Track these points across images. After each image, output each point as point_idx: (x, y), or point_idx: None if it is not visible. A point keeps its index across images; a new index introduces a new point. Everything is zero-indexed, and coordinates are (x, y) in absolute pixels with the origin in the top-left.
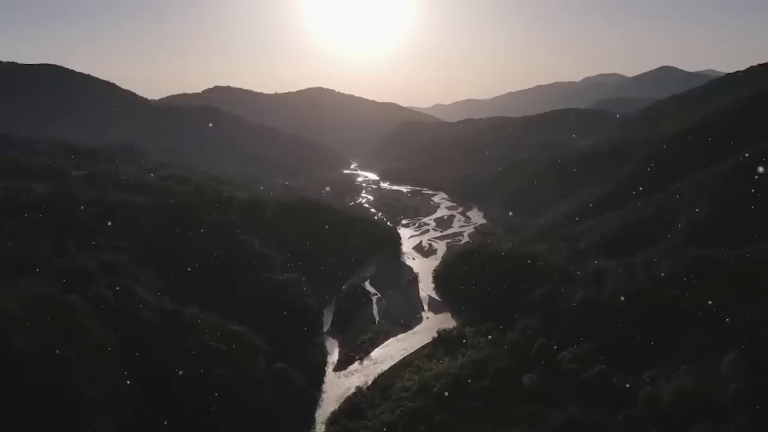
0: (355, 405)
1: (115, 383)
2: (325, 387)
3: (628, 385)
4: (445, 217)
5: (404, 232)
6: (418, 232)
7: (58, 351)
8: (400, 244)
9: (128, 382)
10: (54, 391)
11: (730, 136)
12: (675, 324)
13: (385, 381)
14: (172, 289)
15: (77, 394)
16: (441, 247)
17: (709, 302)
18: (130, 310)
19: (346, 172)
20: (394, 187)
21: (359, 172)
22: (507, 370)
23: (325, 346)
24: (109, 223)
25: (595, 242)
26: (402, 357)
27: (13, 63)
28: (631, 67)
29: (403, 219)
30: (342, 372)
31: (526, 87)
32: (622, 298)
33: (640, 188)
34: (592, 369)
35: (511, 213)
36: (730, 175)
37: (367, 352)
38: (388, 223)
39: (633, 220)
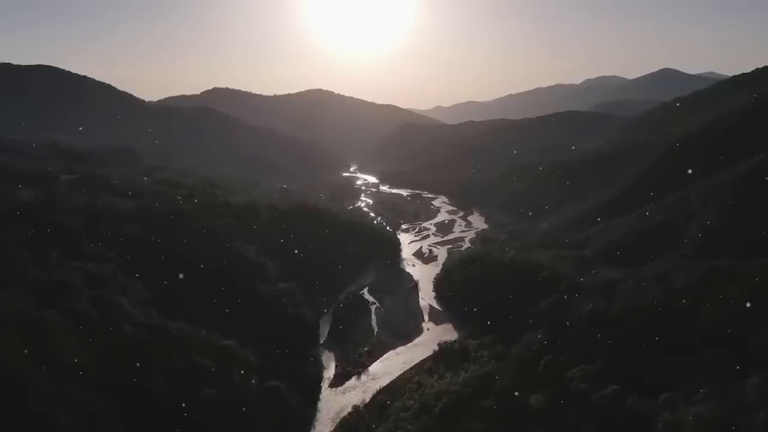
0: (351, 426)
1: (92, 408)
2: (321, 405)
3: (643, 409)
4: (446, 221)
5: (404, 237)
6: (418, 238)
7: (28, 374)
8: (400, 250)
9: (106, 407)
10: (23, 419)
11: (739, 139)
12: (691, 342)
13: (383, 399)
14: (161, 300)
15: (50, 422)
16: (442, 253)
17: (728, 318)
18: (113, 326)
19: (345, 174)
20: (394, 191)
21: (358, 174)
22: (512, 388)
23: (321, 360)
24: (97, 231)
25: (601, 250)
26: (401, 372)
27: (8, 64)
28: (631, 69)
29: (402, 223)
30: (338, 388)
31: (526, 89)
32: (634, 313)
33: (647, 194)
34: (604, 389)
35: (512, 218)
36: (741, 180)
37: (364, 367)
38: (388, 228)
39: (640, 227)
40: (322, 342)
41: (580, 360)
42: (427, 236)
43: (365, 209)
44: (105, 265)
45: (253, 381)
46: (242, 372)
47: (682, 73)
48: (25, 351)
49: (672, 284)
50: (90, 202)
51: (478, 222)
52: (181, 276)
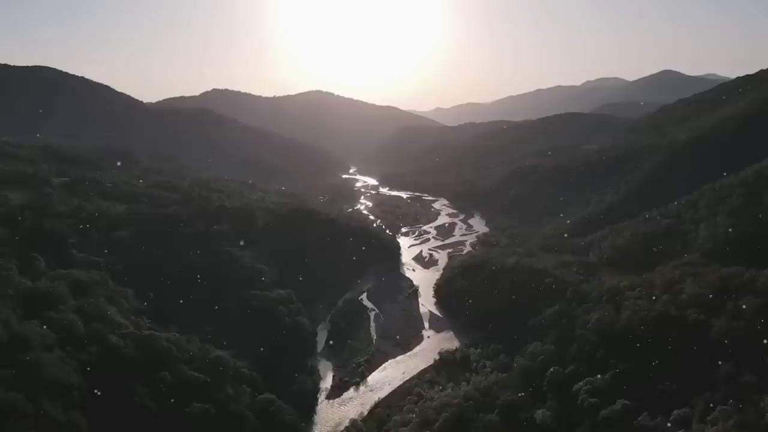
0: None
1: (71, 427)
2: (317, 418)
3: (655, 426)
4: (446, 224)
5: (404, 241)
6: (418, 241)
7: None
8: (400, 254)
9: (88, 425)
10: None
11: (746, 142)
12: (704, 354)
13: (382, 412)
14: (152, 308)
15: None
16: (442, 258)
17: (742, 330)
18: (98, 337)
19: (344, 176)
20: (394, 193)
21: (358, 176)
22: (517, 402)
23: (317, 370)
24: (87, 237)
25: (606, 255)
26: (401, 382)
27: (4, 65)
28: (631, 71)
29: (402, 227)
30: (336, 400)
31: (526, 90)
32: (642, 323)
33: (652, 197)
34: (614, 405)
35: (514, 221)
36: (751, 184)
37: (363, 377)
38: (387, 232)
39: (646, 232)
40: (319, 351)
41: (587, 372)
42: (428, 240)
43: (365, 212)
44: (94, 272)
45: (246, 394)
46: (235, 384)
47: (683, 74)
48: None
49: (682, 293)
50: (80, 206)
51: (479, 225)
52: (173, 283)
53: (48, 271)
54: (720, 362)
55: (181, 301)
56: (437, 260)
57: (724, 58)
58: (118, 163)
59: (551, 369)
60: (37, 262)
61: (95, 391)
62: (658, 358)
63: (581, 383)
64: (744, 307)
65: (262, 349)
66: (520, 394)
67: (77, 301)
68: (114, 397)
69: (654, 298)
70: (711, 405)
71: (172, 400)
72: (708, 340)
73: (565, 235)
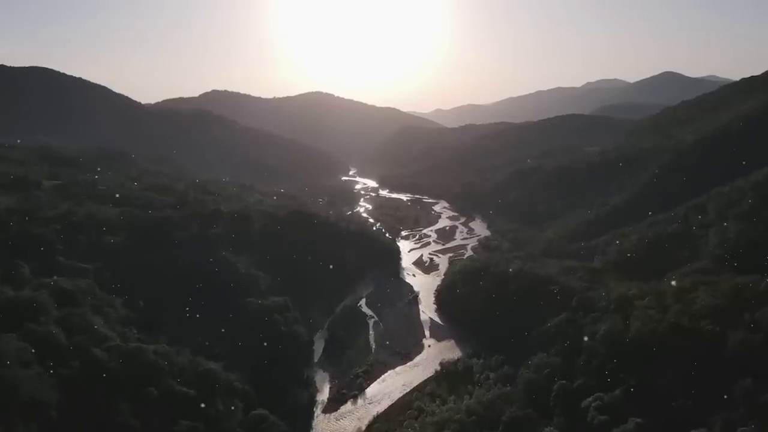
0: None
1: None
2: None
3: None
4: (447, 228)
5: (404, 245)
6: (418, 245)
7: None
8: (400, 259)
9: None
10: None
11: (756, 144)
12: (720, 369)
13: (381, 428)
14: (141, 318)
15: None
16: (443, 262)
17: (761, 343)
18: (81, 351)
19: (344, 178)
20: (394, 195)
21: (357, 178)
22: (522, 419)
23: (314, 382)
24: (76, 242)
25: (612, 261)
26: (401, 395)
27: (1, 66)
28: (632, 72)
29: (402, 230)
30: (333, 414)
31: (527, 92)
32: (654, 335)
33: (657, 201)
34: (626, 423)
35: (515, 224)
36: (763, 187)
37: (361, 389)
38: (387, 235)
39: (653, 237)
40: (316, 361)
41: (596, 387)
42: (428, 244)
43: (364, 215)
44: (80, 280)
45: (238, 409)
46: (226, 399)
47: (684, 76)
48: None
49: (694, 303)
50: (70, 210)
51: (480, 228)
52: (164, 291)
53: (33, 279)
54: (739, 377)
55: (173, 309)
56: (438, 265)
57: (725, 60)
58: (116, 165)
59: (558, 383)
60: (22, 269)
61: (75, 409)
62: (670, 373)
63: (590, 399)
64: (761, 317)
65: (256, 360)
66: (525, 410)
67: (61, 312)
68: (95, 415)
69: (665, 307)
70: (731, 424)
71: (158, 418)
72: (724, 353)
73: (568, 241)
